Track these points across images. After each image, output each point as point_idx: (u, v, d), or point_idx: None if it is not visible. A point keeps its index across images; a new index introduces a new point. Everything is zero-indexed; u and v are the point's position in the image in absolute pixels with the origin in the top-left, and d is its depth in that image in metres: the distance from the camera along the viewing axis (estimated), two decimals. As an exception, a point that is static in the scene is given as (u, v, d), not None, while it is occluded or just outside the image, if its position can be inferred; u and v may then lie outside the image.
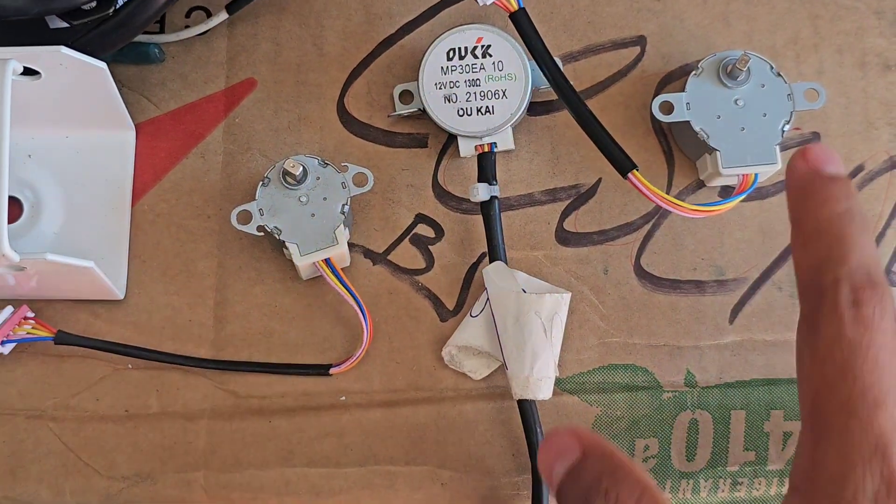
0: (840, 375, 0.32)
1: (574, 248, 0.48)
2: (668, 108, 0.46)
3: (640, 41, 0.50)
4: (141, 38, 0.48)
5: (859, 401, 0.32)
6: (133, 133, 0.49)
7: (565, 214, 0.48)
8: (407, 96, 0.49)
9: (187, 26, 0.50)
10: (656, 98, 0.46)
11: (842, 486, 0.31)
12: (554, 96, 0.49)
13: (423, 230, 0.48)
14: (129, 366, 0.47)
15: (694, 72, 0.47)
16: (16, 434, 0.46)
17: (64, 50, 0.42)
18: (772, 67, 0.46)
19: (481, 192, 0.46)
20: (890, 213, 0.49)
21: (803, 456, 0.33)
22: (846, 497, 0.31)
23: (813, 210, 0.35)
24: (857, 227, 0.34)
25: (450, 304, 0.48)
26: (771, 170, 0.45)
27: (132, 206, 0.48)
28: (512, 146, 0.47)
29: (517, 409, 0.45)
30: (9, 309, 0.46)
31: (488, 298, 0.46)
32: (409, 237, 0.48)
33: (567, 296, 0.45)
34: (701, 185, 0.49)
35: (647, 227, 0.48)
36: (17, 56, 0.41)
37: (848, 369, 0.32)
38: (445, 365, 0.47)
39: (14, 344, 0.46)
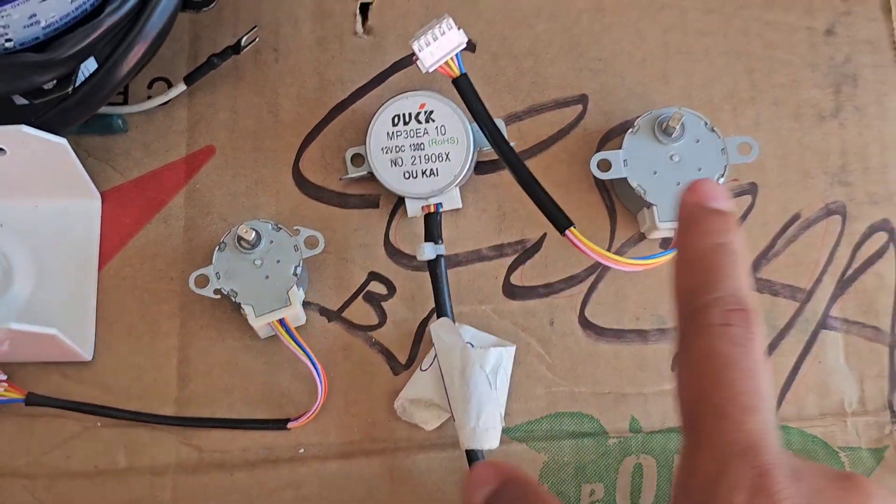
0: (713, 384, 0.33)
1: (521, 301, 0.50)
2: (606, 165, 0.48)
3: (583, 100, 0.52)
4: (105, 109, 0.51)
5: (731, 405, 0.33)
6: (98, 201, 0.51)
7: (512, 269, 0.50)
8: (358, 159, 0.51)
9: (149, 97, 0.52)
10: (595, 156, 0.48)
11: (716, 485, 0.32)
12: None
13: (376, 287, 0.50)
14: (98, 424, 0.49)
15: (630, 129, 0.49)
16: (-10, 492, 0.48)
17: (25, 129, 0.44)
18: (706, 123, 0.48)
19: (427, 252, 0.48)
20: (826, 260, 0.50)
21: (681, 468, 0.34)
22: (721, 495, 0.31)
23: (693, 240, 0.37)
24: (731, 259, 0.36)
25: (402, 358, 0.50)
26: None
27: (99, 270, 0.51)
28: (459, 205, 0.50)
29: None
30: (-19, 372, 0.48)
31: (436, 353, 0.48)
32: (362, 294, 0.50)
33: (512, 349, 0.48)
34: (642, 237, 0.51)
35: (591, 279, 0.50)
36: (-18, 135, 0.44)
37: (722, 378, 0.33)
38: (398, 417, 0.49)
39: (-13, 406, 0.48)
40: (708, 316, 0.34)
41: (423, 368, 0.49)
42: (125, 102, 0.52)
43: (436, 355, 0.48)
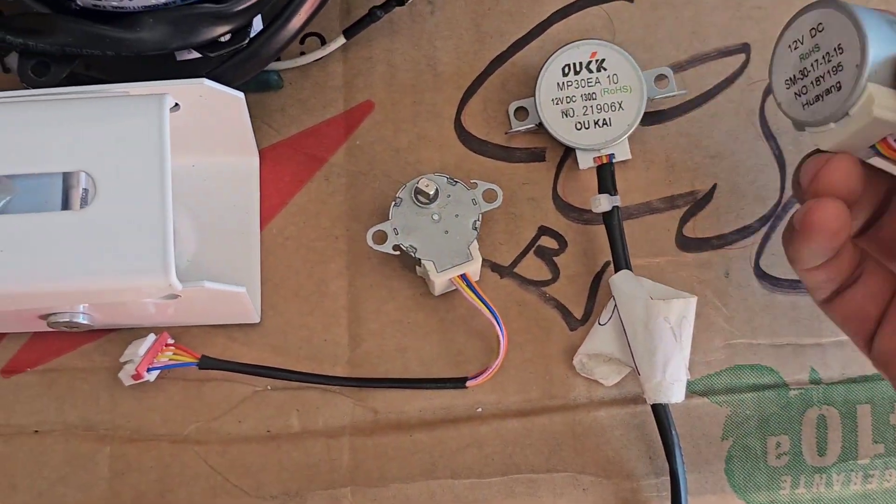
0: None
1: (694, 252, 0.49)
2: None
3: (745, 48, 0.51)
4: (261, 65, 0.49)
5: None
6: (257, 159, 0.50)
7: (684, 221, 0.49)
8: (522, 113, 0.50)
9: (302, 52, 0.51)
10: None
11: None
12: (664, 106, 0.50)
13: (547, 242, 0.49)
14: (269, 387, 0.48)
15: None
16: (161, 459, 0.47)
17: (206, 82, 0.43)
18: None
19: (603, 203, 0.47)
20: None
21: None
22: None
23: None
24: None
25: (577, 314, 0.49)
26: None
27: (261, 230, 0.49)
28: (629, 156, 0.49)
29: (650, 413, 0.47)
30: (151, 337, 0.47)
31: (615, 306, 0.47)
32: (533, 249, 0.49)
33: (693, 299, 0.47)
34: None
35: (764, 229, 0.49)
36: (166, 90, 0.42)
37: None
38: (577, 373, 0.48)
39: (158, 371, 0.46)
40: None
41: (601, 322, 0.48)
42: (279, 59, 0.51)
43: (614, 308, 0.47)
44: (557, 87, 0.48)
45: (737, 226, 0.50)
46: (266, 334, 0.48)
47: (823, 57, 0.38)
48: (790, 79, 0.40)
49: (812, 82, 0.39)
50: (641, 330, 0.46)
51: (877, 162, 0.38)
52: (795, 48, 0.39)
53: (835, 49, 0.37)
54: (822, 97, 0.38)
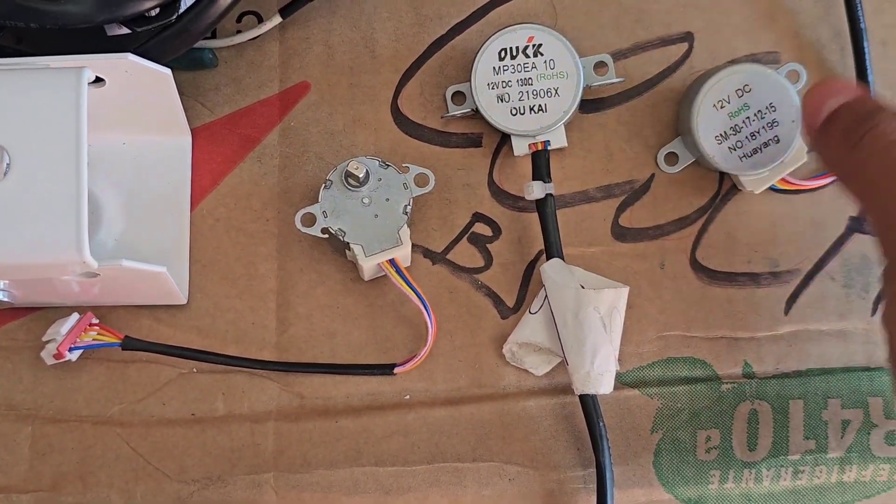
0: None
1: (630, 243, 0.49)
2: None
3: (688, 37, 0.51)
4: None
5: None
6: (189, 138, 0.49)
7: (620, 210, 0.49)
8: (459, 97, 0.49)
9: (239, 31, 0.50)
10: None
11: None
12: (605, 93, 0.49)
13: (481, 229, 0.49)
14: (194, 369, 0.47)
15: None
16: (84, 440, 0.47)
17: (131, 57, 0.42)
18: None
19: (536, 190, 0.47)
20: None
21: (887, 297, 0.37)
22: None
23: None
24: None
25: (510, 302, 0.48)
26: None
27: (191, 211, 0.48)
28: (565, 143, 0.48)
29: (579, 404, 0.46)
30: (75, 316, 0.46)
31: (546, 295, 0.47)
32: (467, 236, 0.49)
33: (625, 290, 0.46)
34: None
35: (702, 221, 0.49)
36: (88, 64, 0.41)
37: None
38: (507, 362, 0.47)
39: (81, 350, 0.46)
40: None
41: (532, 311, 0.47)
42: (214, 36, 0.50)
43: (545, 297, 0.46)
44: (493, 71, 0.47)
45: (674, 216, 0.49)
46: (193, 316, 0.48)
47: (756, 115, 0.46)
48: (721, 135, 0.47)
49: (747, 137, 0.46)
50: (571, 319, 0.45)
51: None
52: (722, 107, 0.46)
53: (767, 107, 0.46)
54: (761, 150, 0.46)
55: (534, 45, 0.47)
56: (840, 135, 0.39)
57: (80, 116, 0.39)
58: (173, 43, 0.45)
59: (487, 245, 0.49)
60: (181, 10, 0.45)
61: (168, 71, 0.44)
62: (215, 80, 0.50)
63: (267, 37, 0.50)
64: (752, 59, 0.49)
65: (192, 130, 0.49)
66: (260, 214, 0.49)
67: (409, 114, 0.50)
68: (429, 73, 0.50)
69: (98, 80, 0.44)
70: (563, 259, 0.47)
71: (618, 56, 0.50)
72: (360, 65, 0.50)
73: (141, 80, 0.44)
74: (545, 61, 0.47)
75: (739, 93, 0.47)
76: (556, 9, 0.50)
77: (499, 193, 0.49)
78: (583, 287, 0.46)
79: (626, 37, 0.51)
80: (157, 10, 0.44)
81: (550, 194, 0.47)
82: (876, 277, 0.48)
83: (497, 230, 0.49)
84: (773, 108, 0.46)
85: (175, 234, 0.48)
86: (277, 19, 0.49)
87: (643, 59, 0.50)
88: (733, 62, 0.48)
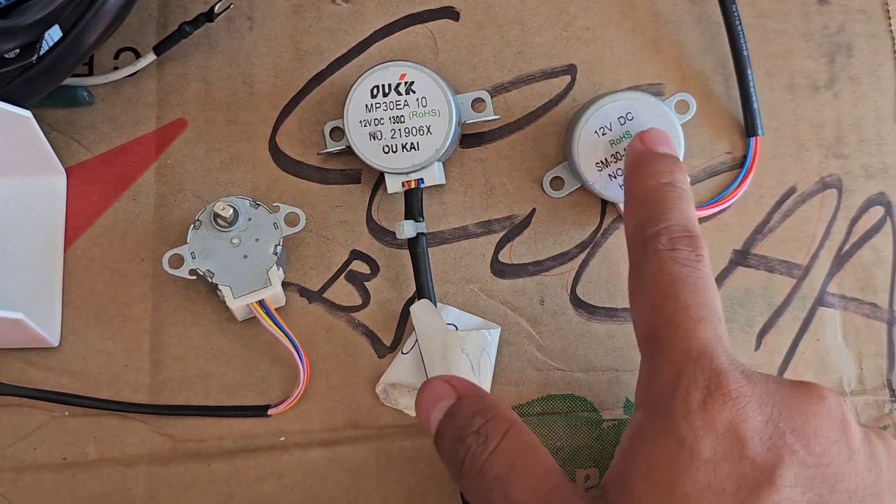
0: (665, 297, 0.37)
1: (510, 279, 0.48)
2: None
3: (571, 70, 0.50)
4: (69, 80, 0.48)
5: (683, 316, 0.36)
6: (63, 177, 0.48)
7: (500, 246, 0.48)
8: (338, 133, 0.49)
9: (116, 68, 0.49)
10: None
11: (675, 386, 0.35)
12: (485, 128, 0.49)
13: (359, 266, 0.48)
14: (66, 413, 0.47)
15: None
16: (-48, 486, 0.46)
17: (-17, 100, 0.42)
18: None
19: (406, 229, 0.46)
20: (822, 235, 0.49)
21: (642, 374, 0.37)
22: (680, 395, 0.35)
23: (641, 180, 0.41)
24: (676, 195, 0.40)
25: (387, 340, 0.48)
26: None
27: (65, 251, 0.48)
28: (441, 181, 0.47)
29: (456, 444, 0.45)
30: (-59, 361, 0.45)
31: (416, 336, 0.46)
32: (344, 274, 0.48)
33: (497, 331, 0.46)
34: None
35: (582, 256, 0.48)
36: (-59, 109, 0.41)
37: (671, 292, 0.37)
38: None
39: (-53, 396, 0.45)
40: (657, 243, 0.38)
41: (404, 352, 0.47)
42: (90, 73, 0.49)
43: (416, 338, 0.46)
44: (366, 108, 0.47)
45: (554, 252, 0.48)
46: (65, 359, 0.47)
47: None
48: (601, 162, 0.47)
49: None
50: (439, 361, 0.45)
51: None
52: (604, 134, 0.46)
53: None
54: None
55: (406, 83, 0.47)
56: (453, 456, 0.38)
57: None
58: (37, 83, 0.45)
59: (365, 283, 0.48)
60: (43, 51, 0.44)
61: (27, 113, 0.43)
62: (91, 118, 0.49)
63: (144, 73, 0.50)
64: (636, 90, 0.49)
65: (67, 169, 0.49)
66: (135, 254, 0.48)
67: (288, 150, 0.49)
68: (308, 108, 0.50)
69: (-44, 122, 0.43)
70: (433, 299, 0.46)
71: (500, 89, 0.50)
72: (238, 101, 0.50)
73: (2, 123, 0.43)
74: (417, 99, 0.47)
75: (622, 120, 0.46)
76: (438, 43, 0.50)
77: (377, 230, 0.48)
78: (456, 327, 0.46)
79: (508, 70, 0.50)
80: (17, 51, 0.43)
81: (422, 233, 0.46)
82: (759, 311, 0.48)
83: (375, 268, 0.48)
84: None
85: (47, 275, 0.48)
86: (152, 56, 0.48)
87: (525, 92, 0.50)
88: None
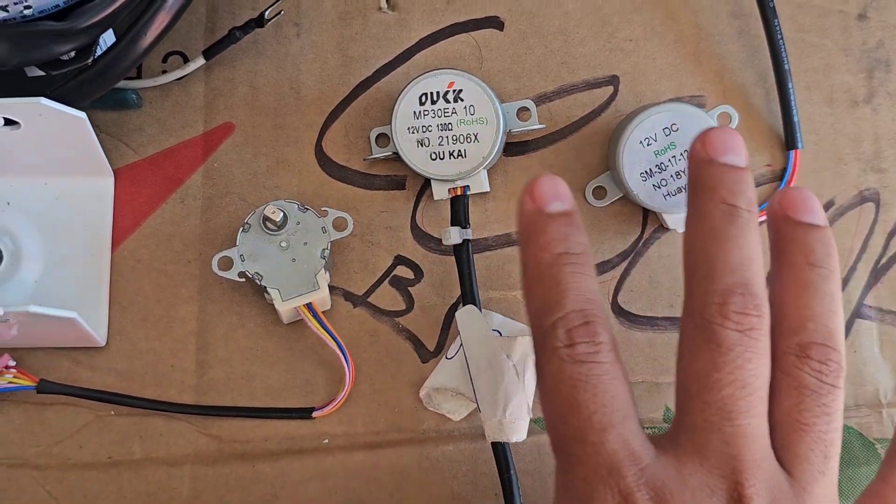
0: (568, 407, 0.34)
1: (552, 287, 0.48)
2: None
3: (613, 80, 0.51)
4: (118, 84, 0.48)
5: (587, 428, 0.34)
6: (112, 179, 0.49)
7: (543, 254, 0.49)
8: (383, 139, 0.49)
9: (164, 71, 0.50)
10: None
11: None
12: (529, 137, 0.49)
13: (403, 272, 0.49)
14: (112, 412, 0.47)
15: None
16: (-2, 483, 0.46)
17: (43, 101, 0.42)
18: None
19: (453, 236, 0.47)
20: (860, 248, 0.49)
21: (557, 486, 0.36)
22: None
23: (534, 254, 0.37)
24: (572, 268, 0.36)
25: (430, 346, 0.48)
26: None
27: (112, 252, 0.48)
28: (487, 189, 0.48)
29: (495, 451, 0.46)
30: (-9, 358, 0.46)
31: (461, 341, 0.46)
32: (388, 279, 0.49)
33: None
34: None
35: (624, 265, 0.49)
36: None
37: (573, 401, 0.34)
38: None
39: (-5, 393, 0.46)
40: (553, 339, 0.35)
41: (448, 357, 0.47)
42: (139, 77, 0.50)
43: (461, 343, 0.46)
44: (414, 115, 0.47)
45: (596, 260, 0.49)
46: (112, 358, 0.48)
47: (682, 154, 0.47)
48: (646, 172, 0.47)
49: (672, 176, 0.47)
50: (483, 367, 0.45)
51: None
52: (648, 145, 0.47)
53: None
54: (685, 189, 0.42)
55: (454, 91, 0.47)
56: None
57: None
58: (91, 86, 0.45)
59: (409, 288, 0.49)
60: (98, 54, 0.45)
61: (83, 115, 0.44)
62: (140, 121, 0.50)
63: (192, 77, 0.50)
64: (680, 102, 0.49)
65: (115, 171, 0.49)
66: (181, 256, 0.48)
67: (333, 155, 0.50)
68: (353, 114, 0.50)
69: (12, 122, 0.44)
70: (478, 304, 0.47)
71: (543, 99, 0.50)
72: (285, 106, 0.50)
73: (56, 123, 0.44)
74: (465, 107, 0.47)
75: (667, 131, 0.47)
76: (482, 52, 0.51)
77: (421, 236, 0.49)
78: (500, 333, 0.46)
79: (551, 80, 0.51)
80: (73, 53, 0.44)
81: (468, 240, 0.47)
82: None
83: (419, 273, 0.49)
84: None
85: (95, 276, 0.48)
86: (201, 60, 0.49)
87: (568, 102, 0.51)
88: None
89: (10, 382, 0.46)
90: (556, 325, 0.35)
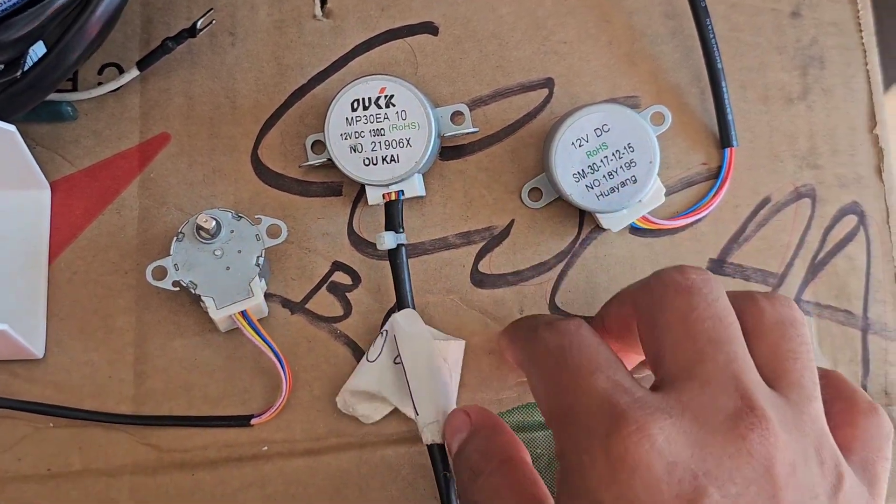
0: (556, 367, 0.38)
1: (489, 289, 0.49)
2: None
3: (549, 83, 0.51)
4: (53, 96, 0.48)
5: (577, 377, 0.37)
6: (48, 192, 0.49)
7: (480, 256, 0.49)
8: (319, 146, 0.49)
9: (100, 83, 0.50)
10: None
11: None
12: (465, 140, 0.50)
13: (341, 278, 0.49)
14: (51, 424, 0.47)
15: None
16: (-63, 498, 0.46)
17: (-30, 115, 0.42)
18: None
19: (387, 240, 0.47)
20: (797, 244, 0.50)
21: (556, 456, 0.38)
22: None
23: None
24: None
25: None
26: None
27: (49, 264, 0.48)
28: (421, 193, 0.48)
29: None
30: (-75, 373, 0.45)
31: (384, 343, 0.46)
32: (326, 285, 0.49)
33: (462, 343, 0.47)
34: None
35: (561, 266, 0.49)
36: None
37: (560, 362, 0.38)
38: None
39: (-68, 408, 0.45)
40: (539, 327, 0.39)
41: (370, 359, 0.47)
42: (74, 89, 0.50)
43: (383, 345, 0.46)
44: (346, 122, 0.48)
45: (533, 262, 0.49)
46: (49, 371, 0.47)
47: (614, 154, 0.47)
48: (578, 173, 0.47)
49: (605, 176, 0.47)
50: (423, 370, 0.45)
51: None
52: (580, 146, 0.47)
53: (625, 147, 0.47)
54: (618, 189, 0.47)
55: (386, 96, 0.48)
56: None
57: None
58: (21, 98, 0.45)
59: (347, 294, 0.49)
60: (27, 66, 0.45)
61: (12, 128, 0.44)
62: (75, 133, 0.50)
63: (127, 89, 0.50)
64: (613, 102, 0.49)
65: (51, 183, 0.49)
66: (118, 267, 0.49)
67: (270, 163, 0.50)
68: (289, 122, 0.50)
69: (-60, 137, 0.44)
70: (414, 309, 0.47)
71: (478, 103, 0.51)
72: (221, 115, 0.50)
73: (-14, 138, 0.44)
74: (397, 112, 0.48)
75: (598, 132, 0.47)
76: (418, 57, 0.51)
77: (359, 242, 0.49)
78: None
79: (486, 84, 0.51)
80: (2, 66, 0.44)
81: (403, 244, 0.47)
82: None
83: (357, 279, 0.49)
84: (630, 149, 0.47)
85: (32, 288, 0.48)
86: (135, 72, 0.49)
87: (504, 105, 0.51)
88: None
89: (-54, 397, 0.46)
90: (539, 323, 0.40)
